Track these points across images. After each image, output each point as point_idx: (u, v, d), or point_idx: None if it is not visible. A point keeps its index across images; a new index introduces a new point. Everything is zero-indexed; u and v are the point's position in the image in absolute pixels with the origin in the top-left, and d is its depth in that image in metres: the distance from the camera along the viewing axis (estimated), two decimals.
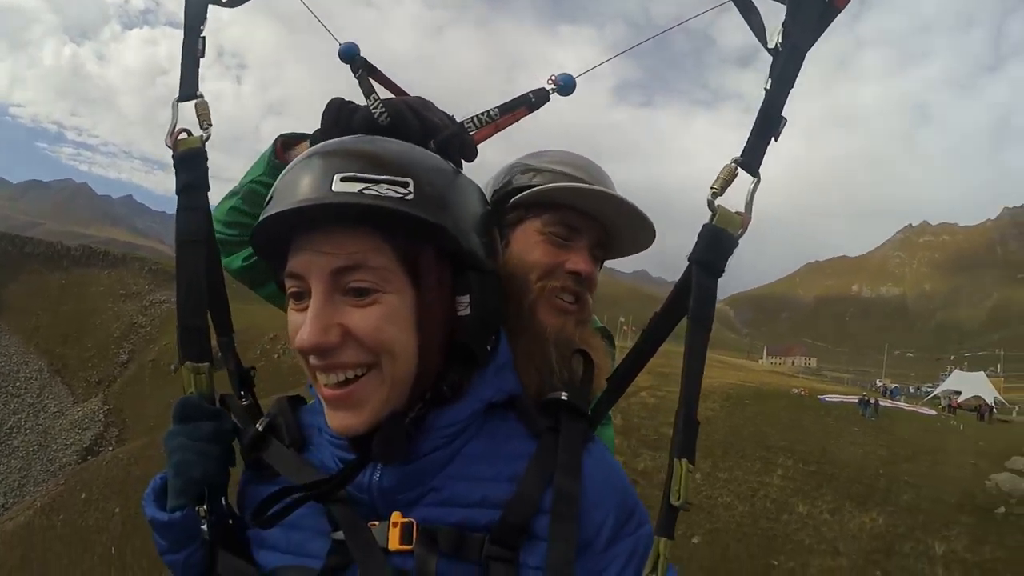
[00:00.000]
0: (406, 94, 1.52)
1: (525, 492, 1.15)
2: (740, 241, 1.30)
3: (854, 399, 42.83)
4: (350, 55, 1.55)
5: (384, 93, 1.50)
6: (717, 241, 1.29)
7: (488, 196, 1.55)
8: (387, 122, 1.32)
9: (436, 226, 1.09)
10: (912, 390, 73.12)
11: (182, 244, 1.43)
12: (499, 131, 1.56)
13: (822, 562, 23.19)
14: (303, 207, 1.06)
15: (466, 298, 1.17)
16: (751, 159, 1.29)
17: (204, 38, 1.54)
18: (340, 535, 1.13)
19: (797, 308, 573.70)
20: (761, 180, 1.30)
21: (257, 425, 1.31)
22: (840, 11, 1.31)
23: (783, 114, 1.30)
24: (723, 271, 1.31)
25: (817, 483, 27.29)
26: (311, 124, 1.55)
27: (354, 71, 1.54)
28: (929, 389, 70.02)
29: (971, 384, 62.65)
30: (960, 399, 57.19)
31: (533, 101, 1.56)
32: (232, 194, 1.77)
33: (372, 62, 1.57)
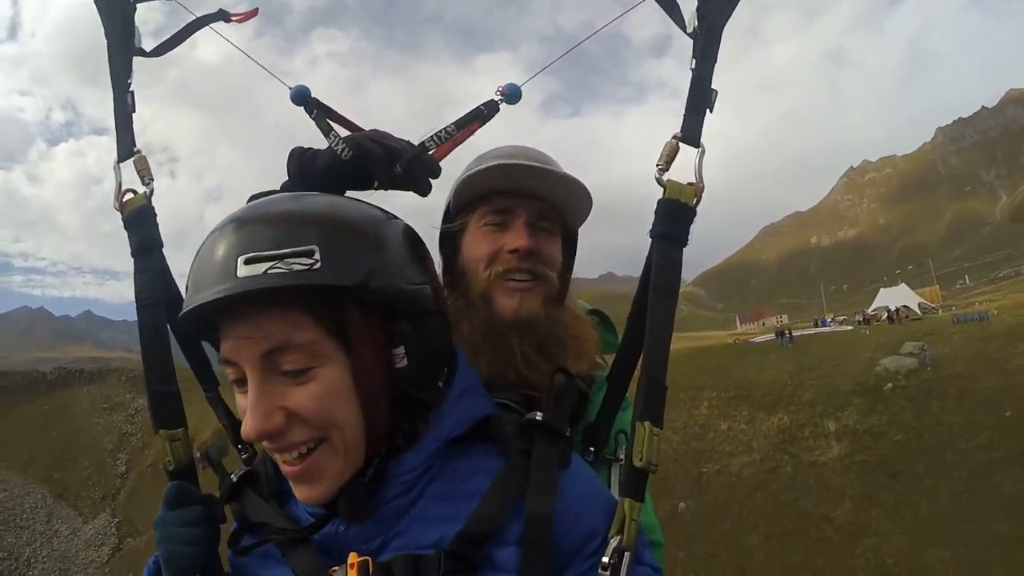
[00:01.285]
0: (361, 129, 1.54)
1: (485, 507, 1.12)
2: (699, 209, 1.34)
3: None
4: (303, 97, 1.53)
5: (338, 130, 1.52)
6: (672, 212, 1.34)
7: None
8: (350, 156, 1.39)
9: (351, 288, 1.05)
10: (858, 317, 76.52)
11: (141, 308, 1.41)
12: (457, 146, 1.56)
13: (740, 460, 27.60)
14: (210, 302, 1.02)
15: (401, 349, 1.12)
16: (690, 132, 1.36)
17: (133, 92, 1.56)
18: None
19: (763, 272, 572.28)
20: (706, 150, 1.35)
21: (232, 475, 1.31)
22: None
23: (713, 87, 1.38)
24: (686, 241, 1.36)
25: (736, 404, 31.45)
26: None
27: (309, 112, 1.52)
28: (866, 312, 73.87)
29: (896, 298, 66.53)
30: (890, 310, 60.50)
31: (485, 113, 1.59)
32: None
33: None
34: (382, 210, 1.23)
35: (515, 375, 1.56)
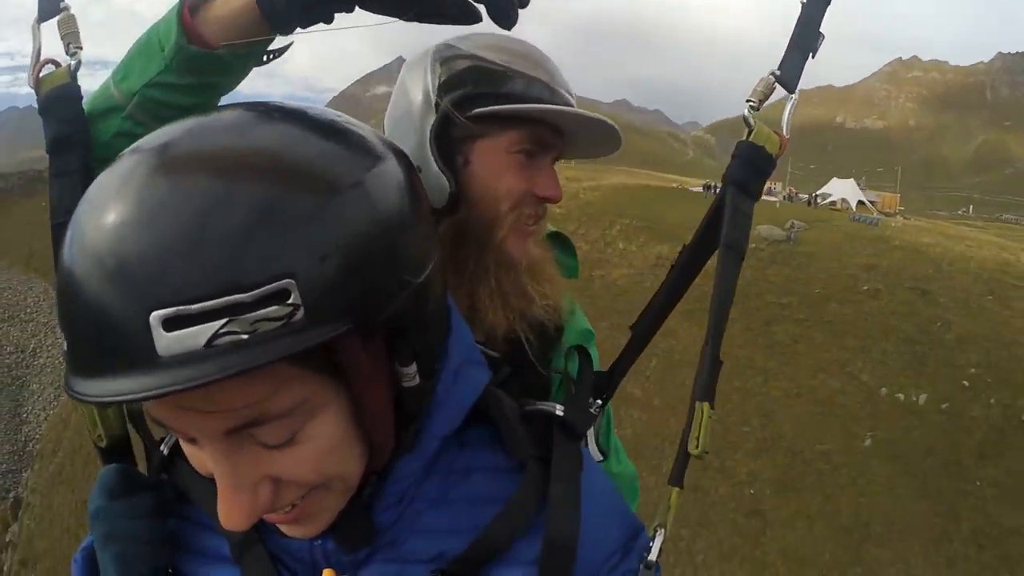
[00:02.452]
0: None
1: (496, 529, 0.89)
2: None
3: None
4: None
5: None
6: (755, 159, 1.18)
7: (428, 89, 1.32)
8: None
9: (356, 327, 0.68)
10: (784, 194, 76.58)
11: (57, 226, 1.04)
12: None
13: (621, 271, 34.20)
14: (116, 401, 0.61)
15: (412, 368, 0.79)
16: (790, 74, 1.19)
17: None
18: None
19: None
20: (798, 98, 1.22)
21: (162, 447, 0.97)
22: None
23: (821, 30, 1.20)
24: (760, 195, 1.21)
25: (639, 232, 37.13)
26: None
27: None
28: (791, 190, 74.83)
29: (841, 188, 70.19)
30: (830, 199, 65.73)
31: None
32: (113, 108, 1.13)
33: None
34: (365, 133, 0.77)
35: (532, 320, 1.41)
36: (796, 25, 1.20)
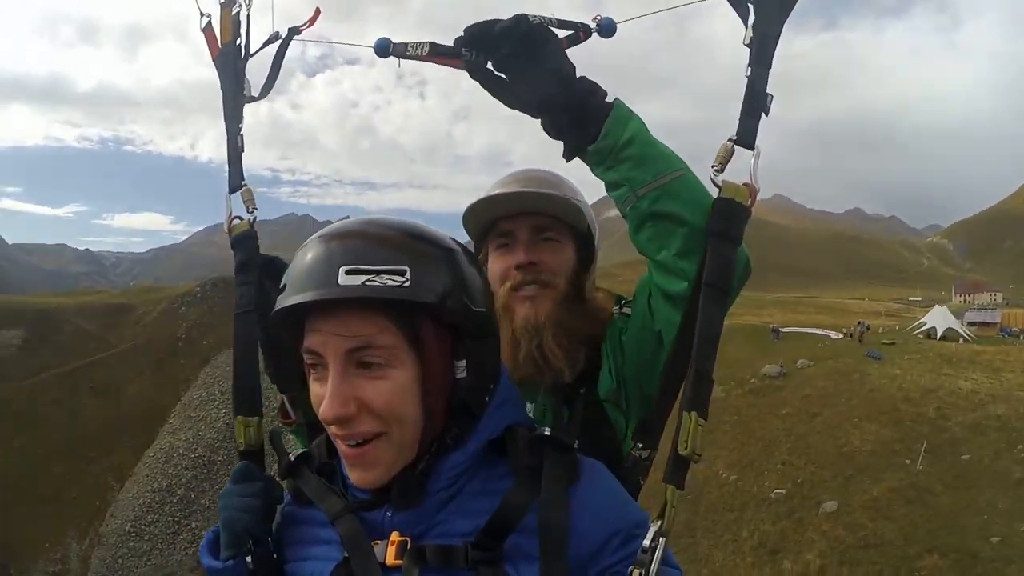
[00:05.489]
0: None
1: (504, 508, 1.23)
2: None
3: (789, 330, 59.02)
4: (385, 48, 1.53)
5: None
6: (727, 211, 1.40)
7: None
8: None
9: (432, 305, 1.18)
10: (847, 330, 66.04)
11: (238, 315, 1.63)
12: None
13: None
14: (316, 300, 1.15)
15: (463, 363, 1.26)
16: (745, 136, 1.41)
17: (242, 135, 1.75)
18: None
19: (1022, 234, 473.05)
20: (761, 152, 1.40)
21: (289, 455, 1.43)
22: (796, 1, 1.43)
23: (768, 91, 1.41)
24: (740, 240, 1.41)
25: (725, 380, 42.21)
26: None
27: (401, 55, 1.54)
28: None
29: (935, 317, 70.28)
30: (925, 327, 67.46)
31: (579, 31, 1.51)
32: None
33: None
34: (457, 240, 1.33)
35: (532, 370, 1.83)
36: (745, 94, 1.42)
